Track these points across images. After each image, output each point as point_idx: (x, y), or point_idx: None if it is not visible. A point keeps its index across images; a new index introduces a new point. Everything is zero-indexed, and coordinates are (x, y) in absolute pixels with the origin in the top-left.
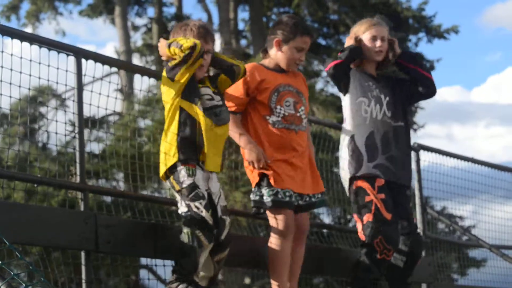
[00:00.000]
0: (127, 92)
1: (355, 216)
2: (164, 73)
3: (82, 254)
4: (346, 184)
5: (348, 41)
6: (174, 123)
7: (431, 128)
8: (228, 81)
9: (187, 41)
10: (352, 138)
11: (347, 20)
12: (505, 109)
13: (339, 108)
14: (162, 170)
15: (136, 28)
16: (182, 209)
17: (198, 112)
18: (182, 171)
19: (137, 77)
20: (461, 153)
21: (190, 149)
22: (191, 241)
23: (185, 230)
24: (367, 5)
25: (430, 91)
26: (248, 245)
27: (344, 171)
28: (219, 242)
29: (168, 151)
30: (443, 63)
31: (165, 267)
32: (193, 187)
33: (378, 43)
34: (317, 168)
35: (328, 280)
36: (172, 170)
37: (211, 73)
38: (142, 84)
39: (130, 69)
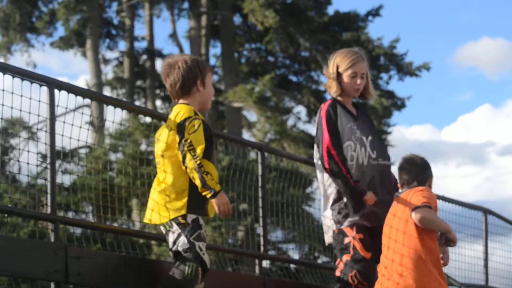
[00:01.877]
0: (99, 125)
1: (338, 260)
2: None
3: (52, 285)
4: (328, 231)
5: (327, 73)
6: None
7: None
8: None
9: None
10: (338, 191)
11: (318, 57)
12: (475, 149)
13: (309, 145)
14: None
15: (107, 61)
16: (183, 245)
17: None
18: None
19: (108, 110)
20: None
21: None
22: (191, 275)
23: (189, 264)
24: (339, 42)
25: None
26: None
27: (329, 219)
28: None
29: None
30: (414, 101)
31: None
32: (198, 225)
33: (358, 81)
34: (289, 204)
35: None
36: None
37: None
38: (114, 116)
39: (103, 101)
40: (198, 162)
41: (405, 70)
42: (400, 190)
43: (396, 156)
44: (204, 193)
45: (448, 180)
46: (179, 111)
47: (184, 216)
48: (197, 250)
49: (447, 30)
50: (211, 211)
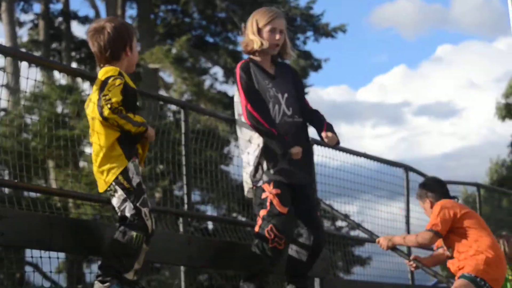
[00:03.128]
0: (13, 88)
1: (257, 213)
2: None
3: None
4: (246, 186)
5: (246, 31)
6: (113, 134)
7: None
8: None
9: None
10: (258, 147)
11: (235, 18)
12: (391, 109)
13: (226, 105)
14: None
15: (21, 24)
16: (130, 211)
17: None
18: (131, 167)
19: (24, 70)
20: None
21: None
22: (138, 243)
23: (136, 232)
24: (256, 3)
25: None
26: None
27: (247, 174)
28: (153, 231)
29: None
30: (330, 62)
31: (52, 259)
32: (142, 189)
33: (277, 36)
34: (206, 165)
35: (212, 275)
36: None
37: None
38: (29, 74)
39: (18, 57)
40: (114, 107)
41: (322, 31)
42: None
43: None
44: (138, 131)
45: (365, 140)
46: (107, 71)
47: (128, 180)
48: (143, 217)
49: None
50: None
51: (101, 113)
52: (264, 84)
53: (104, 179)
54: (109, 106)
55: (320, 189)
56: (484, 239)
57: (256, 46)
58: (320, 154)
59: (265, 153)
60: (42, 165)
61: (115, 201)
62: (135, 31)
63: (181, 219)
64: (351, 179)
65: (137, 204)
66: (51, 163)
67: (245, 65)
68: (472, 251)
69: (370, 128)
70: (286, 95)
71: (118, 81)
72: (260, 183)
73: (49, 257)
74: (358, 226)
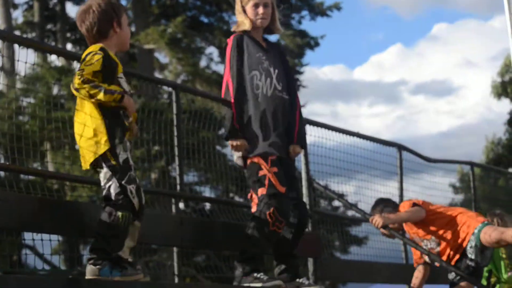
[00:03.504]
0: (9, 70)
1: (251, 190)
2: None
3: None
4: (239, 160)
5: (239, 13)
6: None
7: (316, 106)
8: None
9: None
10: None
11: None
12: (388, 88)
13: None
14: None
15: (16, 6)
16: (115, 189)
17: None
18: (118, 144)
19: (19, 53)
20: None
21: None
22: (124, 223)
23: (122, 212)
24: None
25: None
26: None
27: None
28: (143, 207)
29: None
30: (326, 41)
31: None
32: (128, 166)
33: (260, 9)
34: (202, 145)
35: (210, 256)
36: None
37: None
38: (26, 57)
39: (14, 41)
40: (85, 78)
41: (317, 10)
42: None
43: (309, 96)
44: (111, 99)
45: (361, 119)
46: (89, 49)
47: (115, 156)
48: (129, 195)
49: None
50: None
51: (73, 85)
52: (258, 56)
53: (87, 154)
54: (79, 77)
55: (314, 169)
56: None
57: (245, 27)
58: (313, 134)
59: (261, 123)
60: (39, 147)
61: (101, 178)
62: (124, 8)
63: (173, 200)
64: (346, 159)
65: (123, 182)
66: (47, 145)
67: (240, 37)
68: (452, 230)
69: (367, 107)
70: (277, 70)
71: (96, 57)
72: (255, 154)
73: (42, 239)
74: (351, 206)
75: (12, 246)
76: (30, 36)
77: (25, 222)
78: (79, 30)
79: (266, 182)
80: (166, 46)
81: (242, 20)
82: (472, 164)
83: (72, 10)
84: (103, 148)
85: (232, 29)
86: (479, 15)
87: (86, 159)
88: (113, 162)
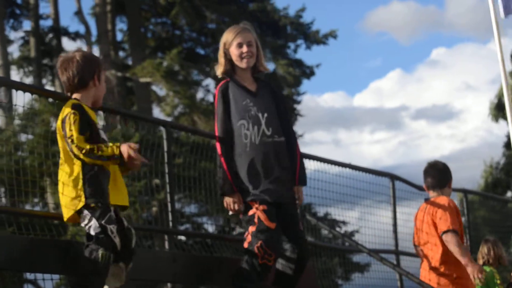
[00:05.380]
0: (6, 107)
1: (246, 232)
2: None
3: None
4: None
5: (220, 56)
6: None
7: (317, 134)
8: None
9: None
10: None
11: (225, 29)
12: (388, 114)
13: None
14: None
15: (11, 41)
16: (95, 228)
17: None
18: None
19: (17, 94)
20: (348, 158)
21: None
22: (105, 261)
23: (101, 251)
24: (245, 13)
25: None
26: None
27: None
28: (130, 250)
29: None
30: (325, 69)
31: (48, 281)
32: (107, 207)
33: (244, 48)
34: (201, 177)
35: None
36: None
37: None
38: (23, 99)
39: (10, 86)
40: (84, 152)
41: (312, 38)
42: (430, 195)
43: (311, 123)
44: (116, 163)
45: (363, 146)
46: (62, 111)
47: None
48: (109, 234)
49: None
50: (118, 199)
51: (77, 157)
52: (245, 104)
53: (66, 206)
54: (80, 151)
55: (309, 200)
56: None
57: (219, 73)
58: (311, 167)
59: (250, 173)
60: (39, 182)
61: (82, 219)
62: (103, 65)
63: (166, 237)
64: (340, 190)
65: (103, 222)
66: (47, 181)
67: (224, 87)
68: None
69: (369, 133)
70: (266, 114)
71: (72, 117)
72: (247, 199)
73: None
74: (343, 236)
75: (13, 284)
76: (26, 69)
77: (16, 262)
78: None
79: (256, 219)
80: (162, 79)
81: (222, 63)
82: (465, 192)
83: (68, 45)
84: (81, 204)
85: (217, 74)
86: (477, 38)
87: (64, 214)
88: (92, 205)
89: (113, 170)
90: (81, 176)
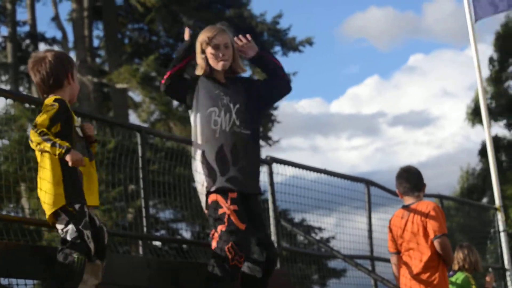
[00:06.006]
0: None
1: (212, 230)
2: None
3: None
4: (203, 198)
5: (198, 57)
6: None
7: (295, 140)
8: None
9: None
10: (203, 153)
11: None
12: (366, 121)
13: None
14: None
15: None
16: (72, 233)
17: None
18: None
19: None
20: (325, 164)
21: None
22: (80, 265)
23: (76, 255)
24: (222, 18)
25: (287, 86)
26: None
27: (200, 185)
28: (103, 246)
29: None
30: (303, 76)
31: (22, 286)
32: (83, 212)
33: (220, 53)
34: (176, 183)
35: None
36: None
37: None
38: None
39: None
40: (39, 131)
41: (289, 45)
42: (405, 201)
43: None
44: (57, 153)
45: (340, 152)
46: (45, 104)
47: (71, 204)
48: (85, 239)
49: (333, 1)
50: (90, 199)
51: (31, 141)
52: (217, 93)
53: (46, 205)
54: (35, 130)
55: (285, 206)
56: None
57: (199, 72)
58: (280, 172)
59: (218, 158)
60: (15, 188)
61: (58, 226)
62: (74, 62)
63: (140, 242)
64: (315, 196)
65: (80, 227)
66: (22, 186)
67: (195, 77)
68: None
69: (346, 139)
70: (237, 105)
71: (49, 108)
72: (212, 189)
73: (18, 284)
74: (318, 242)
75: None
76: (3, 78)
77: None
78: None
79: (226, 219)
80: (139, 85)
81: (200, 63)
82: (441, 197)
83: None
84: (61, 202)
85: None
86: (454, 45)
87: (46, 211)
88: (70, 209)
89: (87, 171)
90: (61, 174)
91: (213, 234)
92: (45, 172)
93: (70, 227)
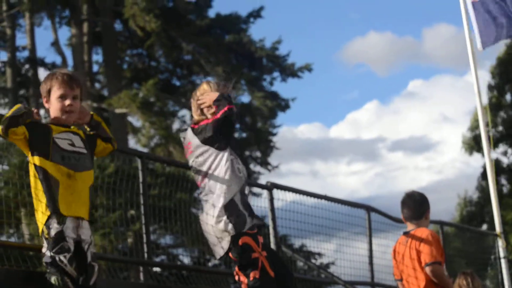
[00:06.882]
0: None
1: (239, 271)
2: None
3: None
4: (221, 234)
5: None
6: (36, 180)
7: (295, 165)
8: (108, 149)
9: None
10: (231, 197)
11: (201, 61)
12: (365, 146)
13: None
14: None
15: None
16: (47, 258)
17: (47, 164)
18: (54, 218)
19: None
20: (325, 190)
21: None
22: (60, 285)
23: (53, 278)
24: (221, 44)
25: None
26: None
27: (210, 217)
28: (88, 286)
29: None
30: (303, 101)
31: None
32: (60, 238)
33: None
34: (176, 209)
35: None
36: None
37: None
38: None
39: None
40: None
41: (288, 71)
42: (408, 226)
43: (288, 154)
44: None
45: (340, 177)
46: None
47: (48, 230)
48: (58, 263)
49: (333, 27)
50: (67, 209)
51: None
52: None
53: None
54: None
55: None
56: None
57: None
58: (280, 198)
59: (239, 202)
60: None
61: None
62: (60, 79)
63: (141, 268)
64: (316, 222)
65: (52, 253)
66: (22, 211)
67: None
68: None
69: (345, 165)
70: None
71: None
72: (245, 229)
73: None
74: (318, 268)
75: None
76: (3, 101)
77: None
78: None
79: (259, 265)
80: (138, 110)
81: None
82: (442, 223)
83: (44, 76)
84: (45, 216)
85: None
86: (454, 70)
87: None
88: (46, 235)
89: (65, 181)
90: (40, 187)
91: (239, 279)
92: (36, 192)
93: (46, 252)
